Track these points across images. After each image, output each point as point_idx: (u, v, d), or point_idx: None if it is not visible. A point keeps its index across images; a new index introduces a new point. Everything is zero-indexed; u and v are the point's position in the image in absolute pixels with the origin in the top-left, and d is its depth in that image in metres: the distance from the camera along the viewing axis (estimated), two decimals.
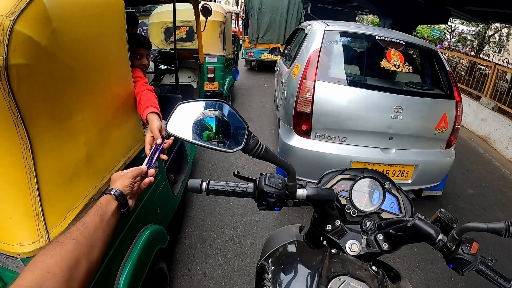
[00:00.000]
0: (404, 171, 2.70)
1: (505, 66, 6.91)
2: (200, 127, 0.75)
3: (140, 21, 5.67)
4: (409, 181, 2.76)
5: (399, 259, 2.54)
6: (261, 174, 0.82)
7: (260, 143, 0.76)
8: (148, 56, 2.11)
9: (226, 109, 0.75)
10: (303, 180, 0.85)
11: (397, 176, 2.70)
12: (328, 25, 2.82)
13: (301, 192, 0.80)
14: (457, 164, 4.37)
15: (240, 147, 0.73)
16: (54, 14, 0.87)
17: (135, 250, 1.42)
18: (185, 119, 0.76)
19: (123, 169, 1.25)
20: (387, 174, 2.62)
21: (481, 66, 7.95)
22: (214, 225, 2.71)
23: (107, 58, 1.21)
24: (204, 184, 0.80)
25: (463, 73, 8.23)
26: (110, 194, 0.74)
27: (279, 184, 0.79)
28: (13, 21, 0.75)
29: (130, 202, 0.80)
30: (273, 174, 0.81)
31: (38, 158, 0.88)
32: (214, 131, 0.75)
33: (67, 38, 0.94)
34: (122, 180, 0.80)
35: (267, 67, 9.31)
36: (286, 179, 0.81)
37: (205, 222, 2.73)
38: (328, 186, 0.93)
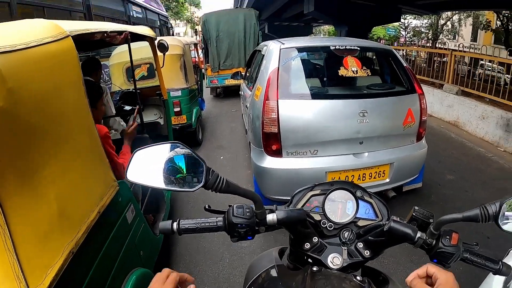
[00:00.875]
0: (380, 171, 2.74)
1: (461, 51, 7.25)
2: (158, 170, 0.75)
3: (101, 63, 5.66)
4: (387, 180, 2.80)
5: (391, 257, 2.54)
6: (229, 206, 0.82)
7: (220, 178, 0.75)
8: (102, 105, 2.13)
9: (182, 149, 0.76)
10: (273, 205, 0.85)
11: (374, 177, 2.74)
12: (283, 43, 2.89)
13: (271, 217, 0.79)
14: (432, 153, 4.48)
15: (200, 184, 0.73)
16: (7, 74, 0.88)
17: None
18: (143, 165, 0.77)
19: (97, 219, 1.26)
20: (364, 178, 2.68)
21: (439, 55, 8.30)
22: (202, 259, 2.65)
23: (66, 108, 1.21)
24: (175, 225, 0.80)
25: (423, 64, 8.55)
26: None
27: (247, 214, 0.79)
28: None
29: None
30: (240, 205, 0.80)
31: (11, 219, 0.87)
32: (172, 172, 0.75)
33: (23, 95, 0.95)
34: None
35: (233, 92, 9.38)
36: (253, 207, 0.80)
37: (193, 257, 2.67)
38: (299, 205, 0.92)
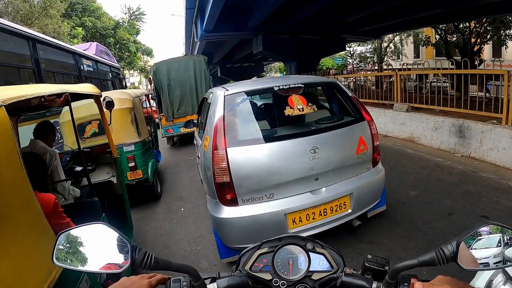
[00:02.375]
0: (340, 203, 2.73)
1: (405, 69, 7.74)
2: (84, 253, 0.73)
3: (52, 121, 5.46)
4: (349, 211, 2.79)
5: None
6: (168, 278, 0.77)
7: (148, 255, 0.73)
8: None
9: (107, 229, 0.74)
10: (218, 272, 0.82)
11: (336, 210, 2.72)
12: (227, 90, 2.90)
13: None
14: (392, 173, 4.60)
15: (128, 264, 0.71)
16: None
17: None
18: (69, 247, 0.75)
19: None
20: (325, 213, 2.65)
21: (386, 77, 8.81)
22: None
23: (1, 184, 1.14)
24: None
25: (373, 87, 9.02)
26: None
27: None
28: None
29: None
30: (176, 279, 0.77)
31: None
32: (99, 254, 0.73)
33: None
34: None
35: (189, 139, 9.22)
36: (190, 280, 0.76)
37: None
38: (248, 265, 0.87)
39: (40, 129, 2.91)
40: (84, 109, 4.22)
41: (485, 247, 0.70)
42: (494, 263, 0.70)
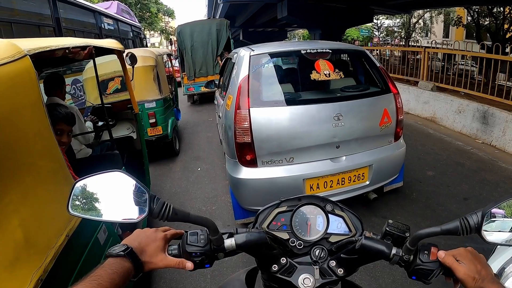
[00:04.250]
0: (359, 174, 2.71)
1: (433, 47, 7.40)
2: (100, 201, 0.72)
3: (73, 78, 5.52)
4: (367, 182, 2.76)
5: (385, 267, 2.47)
6: (185, 232, 0.77)
7: (166, 205, 0.71)
8: (70, 132, 2.04)
9: (125, 177, 0.72)
10: (233, 227, 0.80)
11: (354, 181, 2.70)
12: (252, 50, 2.83)
13: (229, 243, 0.74)
14: (412, 151, 4.53)
15: (144, 214, 0.69)
16: None
17: None
18: (85, 196, 0.73)
19: (66, 243, 1.22)
20: (343, 182, 2.63)
21: (413, 53, 8.46)
22: (182, 276, 2.55)
23: (26, 131, 1.16)
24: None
25: (397, 63, 8.70)
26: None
27: (202, 241, 0.74)
28: None
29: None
30: (194, 231, 0.76)
31: None
32: (116, 203, 0.71)
33: None
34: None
35: (209, 98, 9.68)
36: (208, 233, 0.74)
37: (173, 275, 2.57)
38: (265, 224, 0.86)
39: (50, 82, 2.73)
40: (108, 66, 4.25)
41: (498, 230, 0.67)
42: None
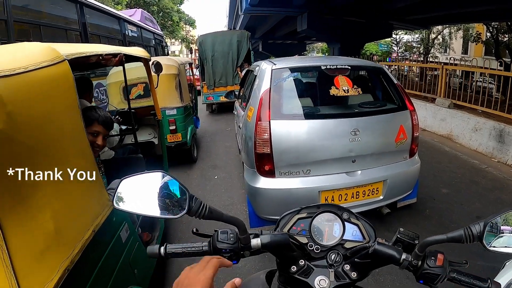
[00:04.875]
0: (373, 189, 2.75)
1: (452, 64, 7.37)
2: (143, 198, 0.78)
3: (96, 82, 5.72)
4: (381, 197, 2.80)
5: (388, 274, 2.53)
6: (215, 231, 0.84)
7: (203, 205, 0.78)
8: (106, 136, 2.09)
9: (167, 177, 0.79)
10: (260, 229, 0.87)
11: (368, 195, 2.75)
12: (274, 64, 2.93)
13: (255, 242, 0.81)
14: (427, 168, 4.52)
15: (184, 211, 0.76)
16: (8, 97, 0.91)
17: None
18: (129, 193, 0.80)
19: (92, 237, 1.29)
20: (357, 195, 2.69)
21: (431, 69, 8.43)
22: None
23: (62, 131, 1.25)
24: (162, 249, 0.82)
25: (415, 79, 8.68)
26: None
27: (231, 239, 0.81)
28: None
29: None
30: (224, 230, 0.83)
31: (9, 237, 0.90)
32: (157, 200, 0.78)
33: (21, 118, 0.99)
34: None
35: (227, 108, 9.80)
36: (237, 233, 0.82)
37: None
38: (286, 228, 0.93)
39: (79, 85, 2.87)
40: (131, 73, 4.37)
41: (505, 245, 0.72)
42: None
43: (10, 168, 0.94)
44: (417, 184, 3.16)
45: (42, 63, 1.14)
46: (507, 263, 1.52)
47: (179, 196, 0.78)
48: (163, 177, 0.79)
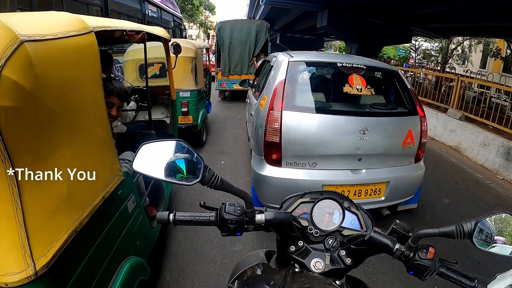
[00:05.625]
0: (376, 189, 2.79)
1: (468, 77, 7.28)
2: (161, 163, 0.83)
3: (113, 58, 5.77)
4: (382, 198, 2.84)
5: (380, 274, 2.58)
6: (223, 203, 0.88)
7: (216, 175, 0.83)
8: (120, 107, 2.13)
9: (184, 146, 0.84)
10: (263, 206, 0.91)
11: (370, 194, 2.78)
12: (291, 56, 2.96)
13: (259, 217, 0.86)
14: (431, 176, 4.53)
15: (198, 180, 0.81)
16: (36, 60, 0.95)
17: (117, 282, 1.45)
18: (148, 157, 0.84)
19: (101, 204, 1.32)
20: (360, 194, 2.73)
21: (446, 79, 8.35)
22: (194, 259, 2.69)
23: (84, 99, 1.29)
24: (171, 216, 0.86)
25: (430, 88, 8.60)
26: None
27: (238, 211, 0.85)
28: (1, 67, 0.83)
29: None
30: (232, 203, 0.87)
31: (23, 193, 0.94)
32: (174, 166, 0.83)
33: (48, 82, 1.03)
34: None
35: (239, 96, 9.83)
36: (244, 206, 0.86)
37: (185, 256, 2.72)
38: (289, 210, 0.98)
39: (102, 61, 2.92)
40: (149, 52, 4.40)
41: (501, 253, 0.77)
42: None
43: (34, 127, 0.99)
44: (419, 190, 3.18)
45: (70, 32, 1.18)
46: (498, 276, 1.54)
47: (194, 165, 0.83)
48: (180, 145, 0.84)
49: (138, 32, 2.13)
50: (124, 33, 1.89)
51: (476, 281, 0.78)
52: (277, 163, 2.67)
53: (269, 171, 2.69)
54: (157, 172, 0.83)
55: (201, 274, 2.54)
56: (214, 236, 2.97)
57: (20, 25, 0.95)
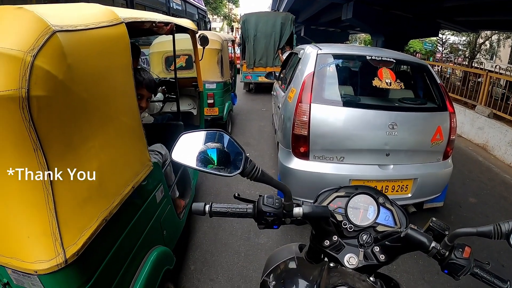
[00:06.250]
0: (403, 185, 2.75)
1: (497, 73, 7.01)
2: (202, 154, 0.83)
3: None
4: (409, 195, 2.80)
5: (405, 273, 2.56)
6: (260, 196, 0.88)
7: (257, 167, 0.83)
8: (149, 98, 2.17)
9: (225, 137, 0.83)
10: (300, 200, 0.91)
11: (397, 191, 2.75)
12: (320, 49, 2.94)
13: (297, 211, 0.85)
14: (457, 174, 4.42)
15: (238, 171, 0.81)
16: (68, 50, 0.97)
17: (143, 270, 1.49)
18: (188, 147, 0.84)
19: (131, 193, 1.34)
20: (386, 190, 2.70)
21: (474, 75, 8.06)
22: (218, 250, 2.73)
23: (115, 89, 1.31)
24: (207, 207, 0.87)
25: (457, 83, 8.34)
26: None
27: (276, 204, 0.85)
28: (34, 57, 0.84)
29: None
30: (270, 195, 0.86)
31: (55, 181, 0.95)
32: (215, 157, 0.83)
33: (80, 72, 1.04)
34: None
35: (264, 89, 9.90)
36: (283, 199, 0.87)
37: (209, 247, 2.76)
38: (324, 204, 0.98)
39: (131, 52, 2.98)
40: (176, 44, 4.47)
41: None
42: None
43: (65, 117, 1.00)
44: (446, 188, 3.12)
45: (102, 23, 1.20)
46: None
47: (234, 156, 0.82)
48: (221, 136, 0.83)
49: (167, 23, 2.14)
50: (154, 24, 1.91)
51: (508, 283, 0.76)
52: (304, 156, 2.67)
53: (297, 164, 2.69)
54: (196, 163, 0.82)
55: (225, 265, 2.57)
56: (239, 228, 3.00)
57: (52, 15, 0.96)
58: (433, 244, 0.78)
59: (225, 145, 0.83)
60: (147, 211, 1.60)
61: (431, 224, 0.82)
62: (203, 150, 0.83)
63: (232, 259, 2.63)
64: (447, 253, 0.78)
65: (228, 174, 0.82)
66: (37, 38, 0.87)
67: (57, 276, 0.99)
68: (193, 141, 0.84)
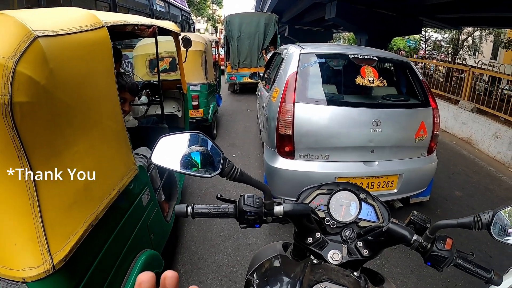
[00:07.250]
0: (388, 181, 2.78)
1: (479, 68, 7.16)
2: (179, 156, 0.82)
3: (123, 53, 5.80)
4: (395, 191, 2.83)
5: (393, 267, 2.59)
6: (241, 195, 0.88)
7: (235, 167, 0.83)
8: (131, 102, 2.15)
9: (203, 139, 0.83)
10: (286, 199, 0.90)
11: (382, 187, 2.77)
12: (303, 48, 2.94)
13: (278, 209, 0.85)
14: (443, 169, 4.50)
15: (217, 172, 0.81)
16: (50, 55, 0.96)
17: (132, 274, 1.47)
18: (167, 150, 0.83)
19: (117, 197, 1.33)
20: (372, 186, 2.72)
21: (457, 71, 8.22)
22: (207, 252, 2.72)
23: (98, 93, 1.30)
24: (189, 208, 0.86)
25: (441, 79, 8.49)
26: None
27: (257, 203, 0.85)
28: (15, 63, 0.83)
29: None
30: (251, 195, 0.87)
31: (40, 187, 0.95)
32: (193, 159, 0.82)
33: (62, 77, 1.03)
34: None
35: (249, 89, 9.95)
36: (263, 198, 0.87)
37: (198, 249, 2.75)
38: (306, 201, 0.97)
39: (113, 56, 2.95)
40: (159, 46, 4.43)
41: None
42: None
43: (49, 122, 0.99)
44: (431, 183, 3.17)
45: (83, 27, 1.19)
46: (510, 269, 1.54)
47: (213, 157, 0.82)
48: (199, 138, 0.83)
49: (149, 26, 2.13)
50: (136, 27, 1.89)
51: (492, 272, 0.78)
52: (289, 155, 2.67)
53: (282, 163, 2.69)
54: (176, 165, 0.81)
55: (214, 266, 2.56)
56: (227, 229, 2.99)
57: (33, 21, 0.96)
58: (414, 237, 0.79)
59: (203, 146, 0.83)
60: (133, 215, 1.59)
61: (412, 217, 0.83)
62: (180, 149, 0.82)
63: (221, 260, 2.63)
64: (429, 246, 0.78)
65: (208, 175, 0.81)
66: (18, 44, 0.86)
67: (46, 283, 0.98)
68: (172, 144, 0.84)
